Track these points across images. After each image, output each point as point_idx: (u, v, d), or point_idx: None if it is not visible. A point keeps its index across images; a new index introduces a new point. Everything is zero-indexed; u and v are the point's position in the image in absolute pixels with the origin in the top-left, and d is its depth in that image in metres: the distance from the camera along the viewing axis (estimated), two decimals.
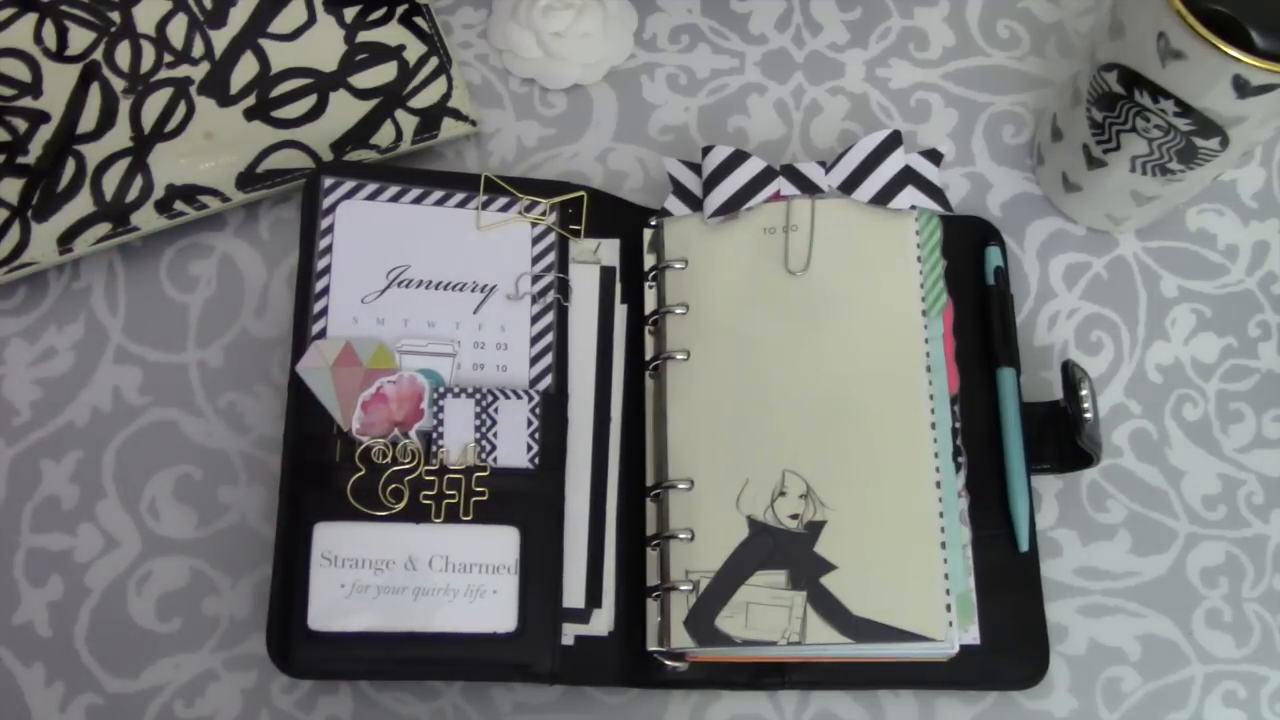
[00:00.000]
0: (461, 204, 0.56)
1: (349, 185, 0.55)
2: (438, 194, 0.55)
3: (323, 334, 0.53)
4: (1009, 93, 0.63)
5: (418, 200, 0.55)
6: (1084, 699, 0.53)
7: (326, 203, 0.54)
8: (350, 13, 0.61)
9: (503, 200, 0.56)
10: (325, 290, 0.53)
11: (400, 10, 0.61)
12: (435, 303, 0.54)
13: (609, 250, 0.57)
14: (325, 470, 0.51)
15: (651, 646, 0.51)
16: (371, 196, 0.55)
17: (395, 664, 0.50)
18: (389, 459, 0.51)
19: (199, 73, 0.60)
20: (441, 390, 0.52)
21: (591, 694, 0.53)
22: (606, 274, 0.56)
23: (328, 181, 0.55)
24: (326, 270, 0.54)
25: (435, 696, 0.53)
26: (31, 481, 0.55)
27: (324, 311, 0.53)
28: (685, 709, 0.53)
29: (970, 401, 0.55)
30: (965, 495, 0.53)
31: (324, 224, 0.54)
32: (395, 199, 0.55)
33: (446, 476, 0.51)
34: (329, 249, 0.54)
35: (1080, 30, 0.65)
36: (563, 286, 0.55)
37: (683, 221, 0.56)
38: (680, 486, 0.51)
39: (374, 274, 0.54)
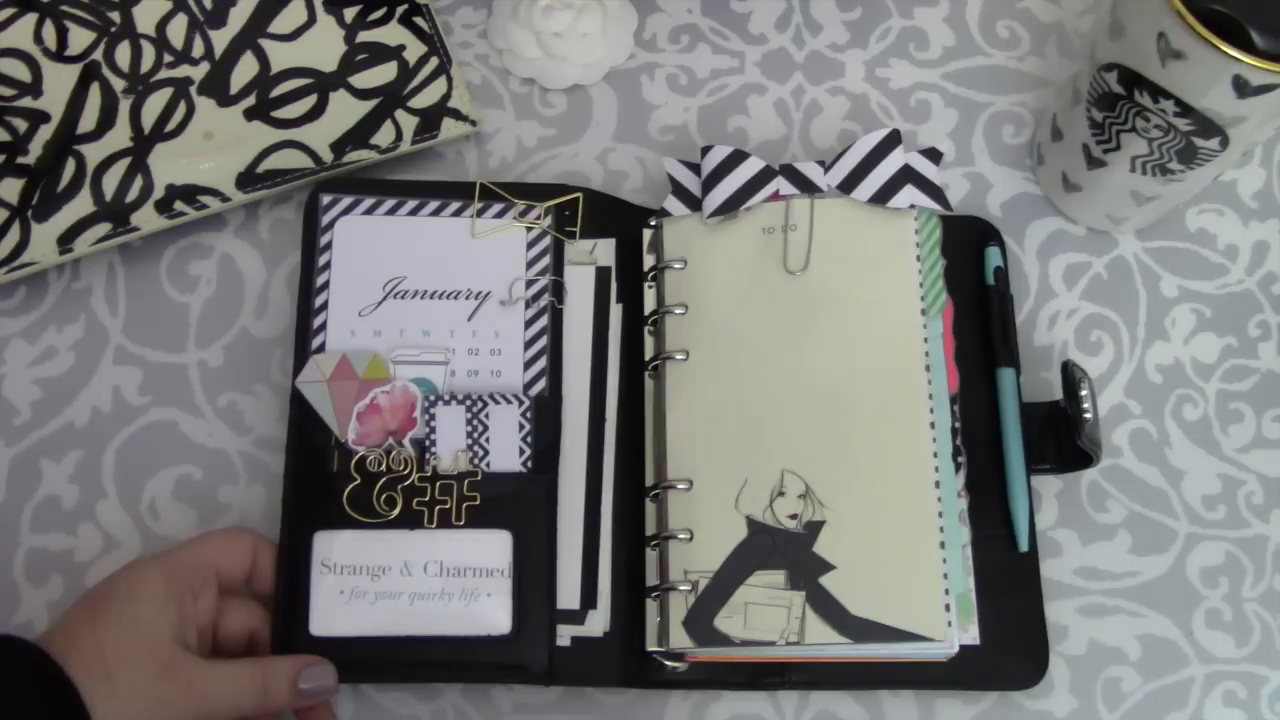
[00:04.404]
0: (457, 213, 0.56)
1: (346, 201, 0.56)
2: (434, 204, 0.56)
3: (322, 348, 0.53)
4: (1009, 93, 0.63)
5: (414, 211, 0.56)
6: (1084, 699, 0.53)
7: (325, 220, 0.55)
8: (350, 13, 0.61)
9: (498, 206, 0.56)
10: (324, 305, 0.54)
11: (400, 10, 0.61)
12: (430, 312, 0.54)
13: (605, 250, 0.57)
14: (324, 480, 0.52)
15: (651, 647, 0.51)
16: (369, 210, 0.55)
17: (394, 667, 0.50)
18: (383, 468, 0.51)
19: (199, 73, 0.60)
20: (433, 398, 0.52)
21: (591, 694, 0.53)
22: (602, 274, 0.56)
23: (326, 199, 0.56)
24: (325, 286, 0.54)
25: (435, 697, 0.53)
26: (31, 481, 0.55)
27: (323, 326, 0.54)
28: (685, 709, 0.53)
29: (970, 401, 0.55)
30: (965, 495, 0.53)
31: (323, 240, 0.55)
32: (392, 211, 0.56)
33: (439, 483, 0.52)
34: (328, 265, 0.55)
35: (1080, 30, 0.64)
36: (557, 289, 0.55)
37: (682, 221, 0.56)
38: (679, 487, 0.51)
39: (371, 287, 0.54)
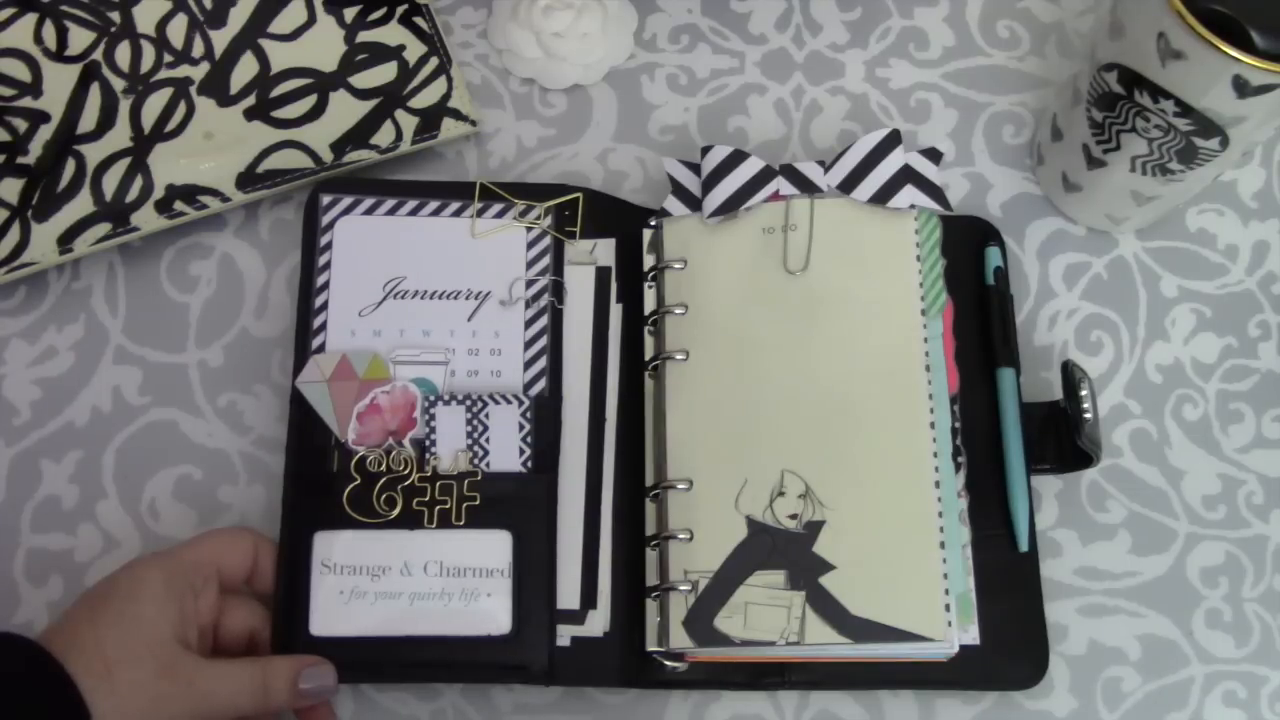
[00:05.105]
0: (457, 213, 0.56)
1: (346, 201, 0.56)
2: (434, 204, 0.56)
3: (322, 348, 0.53)
4: (1009, 93, 0.63)
5: (414, 211, 0.56)
6: (1084, 699, 0.53)
7: (325, 220, 0.55)
8: (350, 13, 0.61)
9: (498, 206, 0.56)
10: (324, 305, 0.54)
11: (400, 10, 0.61)
12: (430, 312, 0.54)
13: (605, 250, 0.57)
14: (324, 480, 0.52)
15: (651, 647, 0.51)
16: (369, 210, 0.55)
17: (394, 667, 0.50)
18: (383, 468, 0.51)
19: (199, 73, 0.60)
20: (433, 399, 0.52)
21: (591, 694, 0.53)
22: (602, 274, 0.56)
23: (326, 199, 0.56)
24: (325, 286, 0.54)
25: (435, 697, 0.53)
26: (31, 481, 0.55)
27: (323, 326, 0.54)
28: (685, 709, 0.53)
29: (970, 401, 0.55)
30: (965, 495, 0.53)
31: (323, 240, 0.55)
32: (392, 211, 0.56)
33: (439, 483, 0.52)
34: (328, 265, 0.55)
35: (1080, 30, 0.64)
36: (557, 289, 0.55)
37: (682, 221, 0.56)
38: (679, 487, 0.51)
39: (371, 287, 0.54)
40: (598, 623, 0.52)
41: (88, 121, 0.59)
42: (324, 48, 0.61)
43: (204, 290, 0.58)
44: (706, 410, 0.53)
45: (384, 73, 0.60)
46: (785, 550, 0.50)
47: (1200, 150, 0.51)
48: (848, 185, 0.55)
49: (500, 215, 0.56)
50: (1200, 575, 0.55)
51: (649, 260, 0.56)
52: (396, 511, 0.51)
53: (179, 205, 0.57)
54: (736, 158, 0.55)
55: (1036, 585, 0.53)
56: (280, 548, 0.51)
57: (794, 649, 0.49)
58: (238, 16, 0.61)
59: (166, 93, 0.59)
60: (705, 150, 0.56)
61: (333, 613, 0.50)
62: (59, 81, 0.59)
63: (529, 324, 0.55)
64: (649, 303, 0.56)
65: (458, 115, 0.60)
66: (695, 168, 0.57)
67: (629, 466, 0.54)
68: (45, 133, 0.58)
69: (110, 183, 0.57)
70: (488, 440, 0.52)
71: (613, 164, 0.61)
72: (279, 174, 0.58)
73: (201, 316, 0.58)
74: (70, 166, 0.58)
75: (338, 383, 0.52)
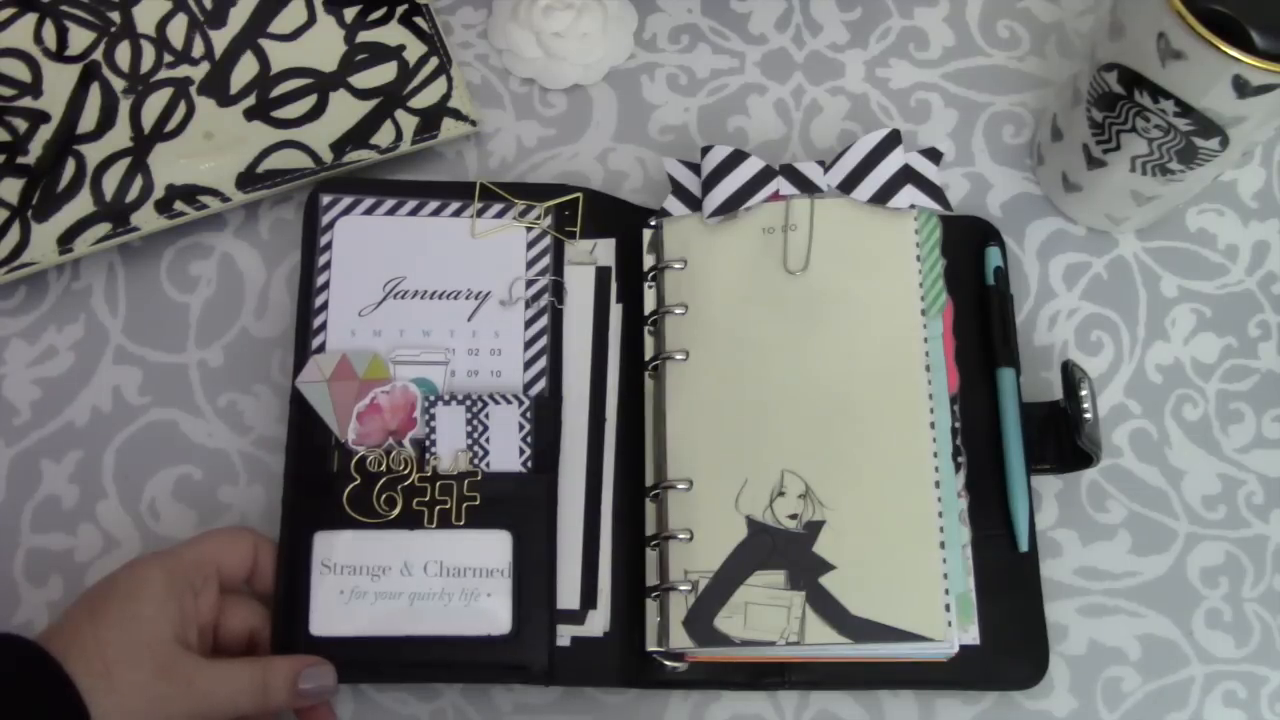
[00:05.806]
0: (457, 213, 0.56)
1: (346, 201, 0.56)
2: (434, 204, 0.56)
3: (322, 348, 0.53)
4: (1009, 93, 0.63)
5: (414, 211, 0.56)
6: (1084, 699, 0.53)
7: (325, 220, 0.55)
8: (350, 13, 0.61)
9: (498, 206, 0.56)
10: (324, 305, 0.54)
11: (400, 10, 0.61)
12: (430, 312, 0.54)
13: (605, 250, 0.57)
14: (324, 480, 0.52)
15: (651, 647, 0.51)
16: (369, 210, 0.55)
17: (394, 667, 0.50)
18: (383, 468, 0.51)
19: (199, 73, 0.60)
20: (433, 399, 0.52)
21: (591, 694, 0.53)
22: (602, 274, 0.56)
23: (326, 199, 0.56)
24: (325, 286, 0.54)
25: (435, 697, 0.53)
26: (31, 481, 0.55)
27: (323, 326, 0.54)
28: (685, 709, 0.53)
29: (970, 401, 0.55)
30: (965, 495, 0.53)
31: (323, 240, 0.55)
32: (392, 211, 0.56)
33: (439, 483, 0.52)
34: (328, 265, 0.55)
35: (1080, 30, 0.64)
36: (557, 289, 0.55)
37: (682, 221, 0.56)
38: (679, 487, 0.51)
39: (371, 287, 0.54)
40: (598, 623, 0.52)
41: (88, 121, 0.59)
42: (324, 48, 0.61)
43: (204, 290, 0.58)
44: (706, 410, 0.53)
45: (384, 73, 0.60)
46: (785, 550, 0.50)
47: (1200, 150, 0.51)
48: (848, 185, 0.55)
49: (500, 215, 0.56)
50: (1200, 575, 0.55)
51: (649, 260, 0.56)
52: (396, 511, 0.51)
53: (179, 205, 0.57)
54: (736, 158, 0.55)
55: (1036, 585, 0.53)
56: (280, 548, 0.51)
57: (794, 649, 0.49)
58: (238, 16, 0.61)
59: (166, 93, 0.59)
60: (705, 150, 0.56)
61: (333, 613, 0.50)
62: (59, 81, 0.59)
63: (529, 324, 0.55)
64: (649, 303, 0.56)
65: (458, 115, 0.60)
66: (695, 168, 0.57)
67: (629, 466, 0.54)
68: (45, 133, 0.58)
69: (110, 183, 0.57)
70: (488, 440, 0.52)
71: (613, 164, 0.61)
72: (279, 174, 0.58)
73: (201, 316, 0.58)
74: (70, 166, 0.58)
75: (338, 383, 0.52)
